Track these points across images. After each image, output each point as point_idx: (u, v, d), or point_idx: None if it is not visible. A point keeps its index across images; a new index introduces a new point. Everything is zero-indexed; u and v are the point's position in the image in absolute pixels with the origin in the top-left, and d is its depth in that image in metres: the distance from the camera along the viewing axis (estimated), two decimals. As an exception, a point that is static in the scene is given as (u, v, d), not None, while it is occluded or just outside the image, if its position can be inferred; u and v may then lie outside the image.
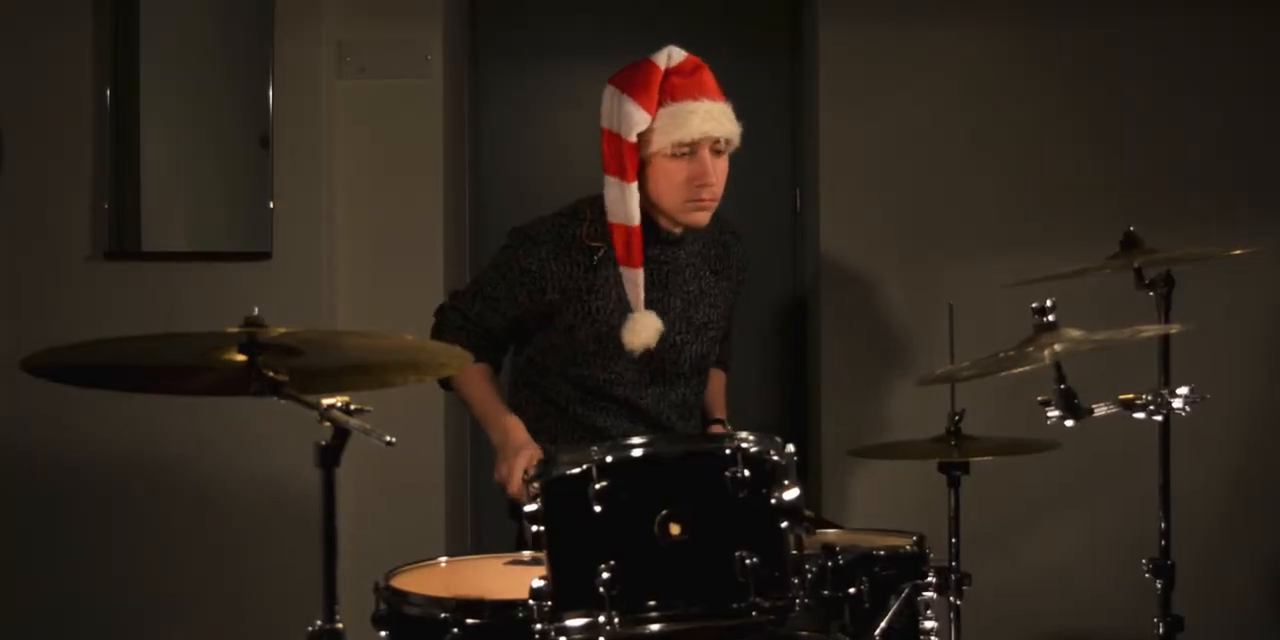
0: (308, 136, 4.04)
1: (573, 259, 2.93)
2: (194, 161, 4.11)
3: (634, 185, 2.86)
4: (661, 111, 2.83)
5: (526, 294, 2.95)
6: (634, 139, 2.84)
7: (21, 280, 4.01)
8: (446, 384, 3.08)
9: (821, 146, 4.21)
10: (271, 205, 4.00)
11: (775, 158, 4.55)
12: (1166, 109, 4.20)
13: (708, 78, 2.89)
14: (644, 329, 2.89)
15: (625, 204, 2.87)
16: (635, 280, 2.89)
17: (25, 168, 3.99)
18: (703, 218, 2.93)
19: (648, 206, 2.91)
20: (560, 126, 4.54)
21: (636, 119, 2.83)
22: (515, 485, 2.74)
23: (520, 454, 2.78)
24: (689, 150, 2.85)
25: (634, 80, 2.86)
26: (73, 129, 4.00)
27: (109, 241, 4.00)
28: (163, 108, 4.04)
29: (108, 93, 4.00)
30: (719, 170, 2.89)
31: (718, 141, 2.86)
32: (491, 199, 4.56)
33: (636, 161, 2.86)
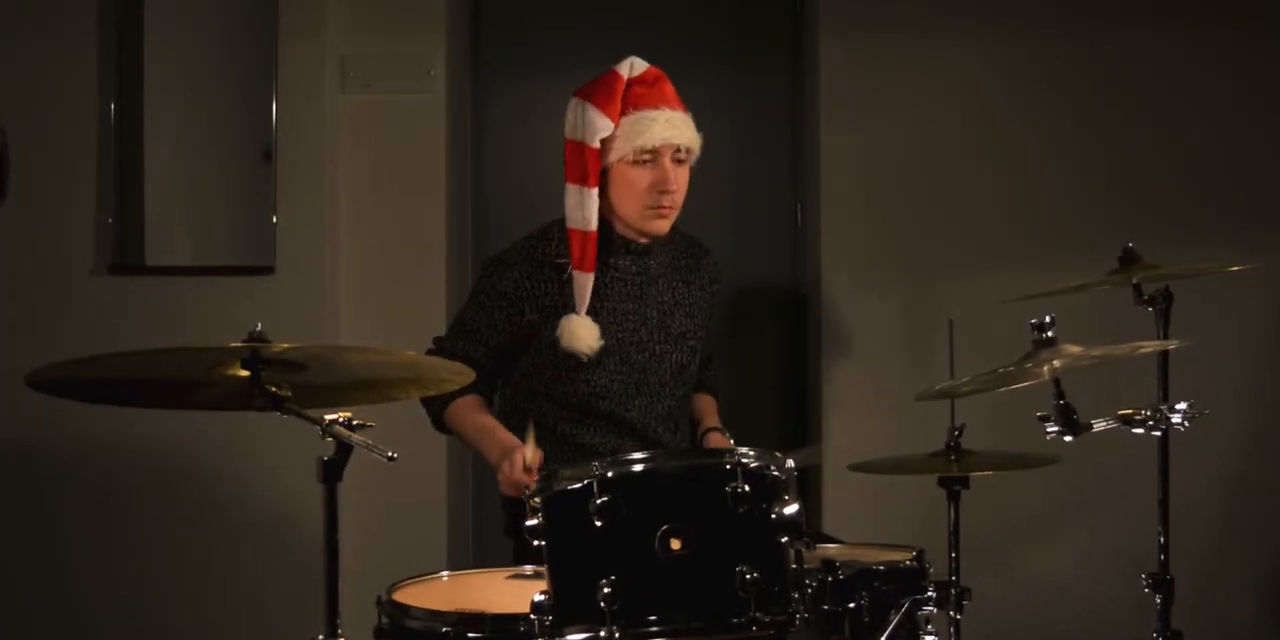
0: (311, 151, 4.05)
1: (545, 276, 2.98)
2: (198, 176, 4.12)
3: (594, 191, 2.91)
4: (624, 120, 2.89)
5: (506, 317, 2.98)
6: (597, 145, 2.89)
7: (26, 294, 4.01)
8: (443, 427, 3.07)
9: (822, 160, 4.22)
10: (275, 220, 4.01)
11: (776, 171, 4.56)
12: (1166, 124, 4.21)
13: (668, 88, 2.95)
14: (577, 334, 2.91)
15: (584, 209, 2.92)
16: (585, 284, 2.93)
17: (29, 182, 3.99)
18: (662, 226, 2.97)
19: (610, 215, 2.96)
20: (562, 141, 4.54)
21: (600, 125, 2.89)
22: (518, 473, 2.73)
23: (515, 452, 2.78)
24: (650, 157, 2.90)
25: (596, 90, 2.93)
26: (77, 143, 4.01)
27: (113, 255, 4.01)
28: (167, 122, 4.06)
29: (112, 107, 4.01)
30: (679, 179, 2.94)
31: (678, 150, 2.92)
32: (494, 213, 4.57)
33: (598, 168, 2.91)
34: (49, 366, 2.12)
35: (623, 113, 2.89)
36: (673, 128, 2.89)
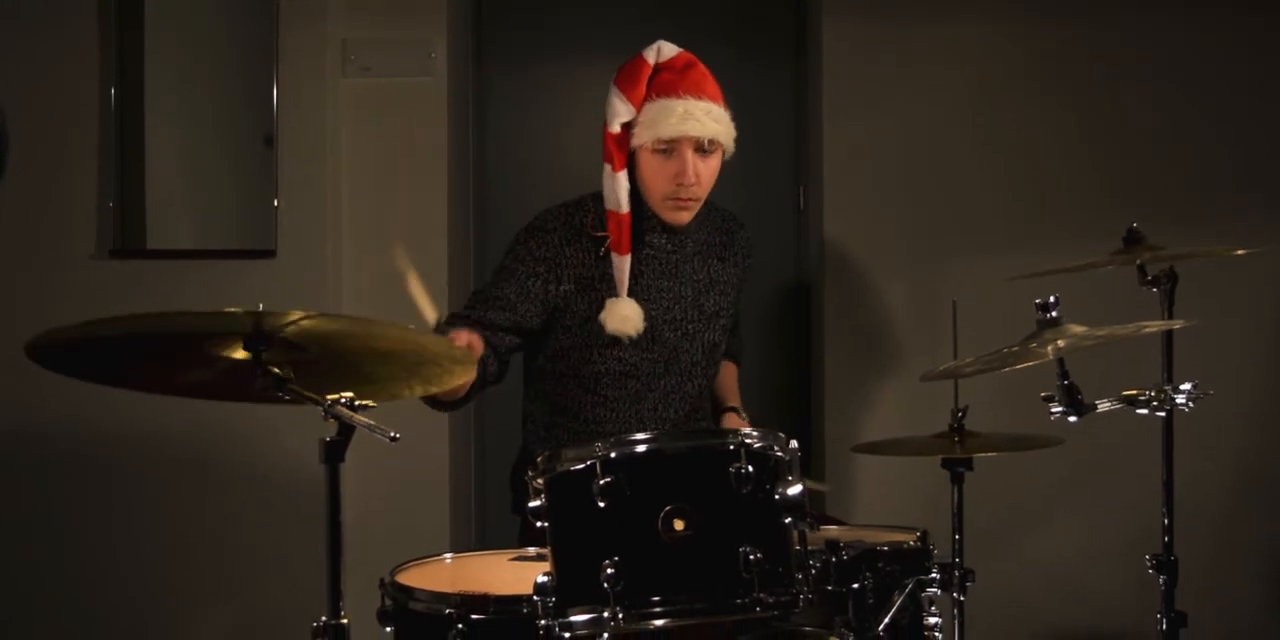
0: (312, 135, 4.04)
1: (583, 246, 2.94)
2: (199, 160, 4.11)
3: (621, 173, 2.89)
4: (647, 106, 2.86)
5: (541, 285, 2.92)
6: (616, 129, 2.87)
7: (27, 278, 4.01)
8: (438, 404, 2.85)
9: (825, 144, 4.21)
10: (276, 203, 4.00)
11: (779, 155, 4.55)
12: (1169, 110, 4.19)
13: (697, 75, 2.89)
14: (622, 315, 2.89)
15: (614, 191, 2.90)
16: (623, 267, 2.91)
17: (31, 166, 3.98)
18: (681, 217, 2.95)
19: (643, 194, 2.94)
20: (564, 125, 4.54)
21: (619, 110, 2.87)
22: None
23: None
24: (669, 147, 2.86)
25: (623, 74, 2.91)
26: (78, 127, 4.00)
27: (114, 239, 4.00)
28: (167, 106, 4.04)
29: (113, 91, 4.00)
30: (703, 169, 2.90)
31: (701, 141, 2.87)
32: (496, 197, 4.57)
33: (622, 151, 2.89)
34: (47, 332, 2.11)
35: (647, 98, 2.86)
36: (691, 119, 2.84)
